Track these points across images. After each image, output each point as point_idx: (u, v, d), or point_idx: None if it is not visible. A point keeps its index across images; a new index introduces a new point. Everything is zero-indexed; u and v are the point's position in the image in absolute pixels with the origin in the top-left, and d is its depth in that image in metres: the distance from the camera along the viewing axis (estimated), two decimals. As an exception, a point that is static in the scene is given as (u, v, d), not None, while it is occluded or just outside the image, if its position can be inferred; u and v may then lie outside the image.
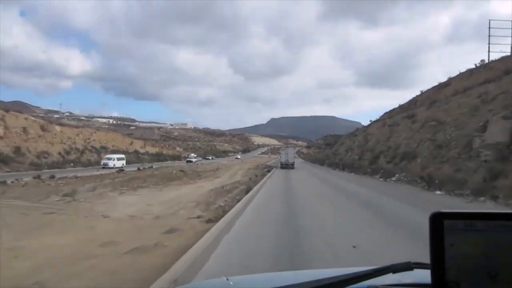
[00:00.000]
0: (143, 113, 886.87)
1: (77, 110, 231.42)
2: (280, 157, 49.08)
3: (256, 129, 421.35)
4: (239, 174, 31.25)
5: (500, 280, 0.77)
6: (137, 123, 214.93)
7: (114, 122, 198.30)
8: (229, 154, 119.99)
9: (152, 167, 41.90)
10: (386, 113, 48.74)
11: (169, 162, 61.34)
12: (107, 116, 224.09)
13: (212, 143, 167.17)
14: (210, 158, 73.26)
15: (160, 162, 55.91)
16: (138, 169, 37.05)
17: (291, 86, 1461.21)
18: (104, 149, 51.56)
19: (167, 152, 78.22)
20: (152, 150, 70.82)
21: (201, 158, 76.77)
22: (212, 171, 35.86)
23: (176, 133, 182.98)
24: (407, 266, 1.11)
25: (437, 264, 0.80)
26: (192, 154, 77.72)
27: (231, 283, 1.47)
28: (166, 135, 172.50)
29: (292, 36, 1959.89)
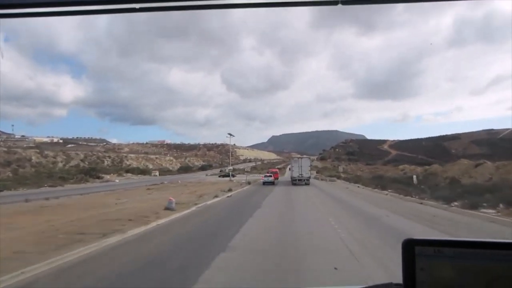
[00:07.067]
0: (141, 136, 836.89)
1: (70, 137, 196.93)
2: (292, 171, 41.40)
3: (257, 148, 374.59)
4: None
5: None
6: (85, 142, 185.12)
7: (59, 141, 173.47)
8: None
9: None
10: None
11: None
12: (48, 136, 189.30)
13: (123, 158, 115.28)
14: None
15: None
16: None
17: (289, 102, 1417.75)
18: None
19: None
20: None
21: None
22: None
23: (126, 149, 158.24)
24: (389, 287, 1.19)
25: (409, 286, 0.85)
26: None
27: None
28: (104, 153, 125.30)
29: (286, 48, 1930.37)
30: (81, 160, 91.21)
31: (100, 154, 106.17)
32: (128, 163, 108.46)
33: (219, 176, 67.80)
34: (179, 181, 47.26)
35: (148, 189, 33.99)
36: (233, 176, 57.89)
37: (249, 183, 41.23)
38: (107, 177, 68.33)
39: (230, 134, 59.27)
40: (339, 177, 57.04)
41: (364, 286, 1.19)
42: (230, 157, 65.95)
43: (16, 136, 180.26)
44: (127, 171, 77.80)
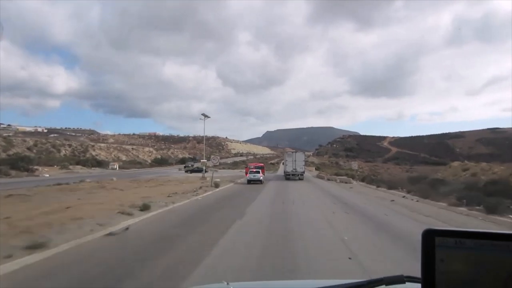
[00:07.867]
0: (135, 129, 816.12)
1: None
2: (285, 165, 39.77)
3: (251, 143, 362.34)
4: None
5: None
6: (73, 133, 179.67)
7: (44, 130, 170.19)
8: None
9: None
10: None
11: None
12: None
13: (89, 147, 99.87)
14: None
15: None
16: None
17: (285, 98, 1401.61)
18: None
19: None
20: None
21: None
22: None
23: (111, 140, 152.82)
24: (400, 279, 1.17)
25: (427, 278, 0.82)
26: None
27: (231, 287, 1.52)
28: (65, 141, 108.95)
29: (281, 44, 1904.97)
30: (28, 148, 74.27)
31: (57, 142, 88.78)
32: (94, 153, 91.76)
33: (187, 172, 51.52)
34: (114, 179, 30.66)
35: (10, 196, 17.50)
36: (206, 171, 41.53)
37: (217, 185, 24.90)
38: (45, 169, 51.89)
39: (204, 115, 42.81)
40: (353, 177, 40.83)
41: (375, 278, 1.12)
42: (205, 146, 49.25)
43: (1, 126, 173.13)
44: (78, 162, 60.91)
